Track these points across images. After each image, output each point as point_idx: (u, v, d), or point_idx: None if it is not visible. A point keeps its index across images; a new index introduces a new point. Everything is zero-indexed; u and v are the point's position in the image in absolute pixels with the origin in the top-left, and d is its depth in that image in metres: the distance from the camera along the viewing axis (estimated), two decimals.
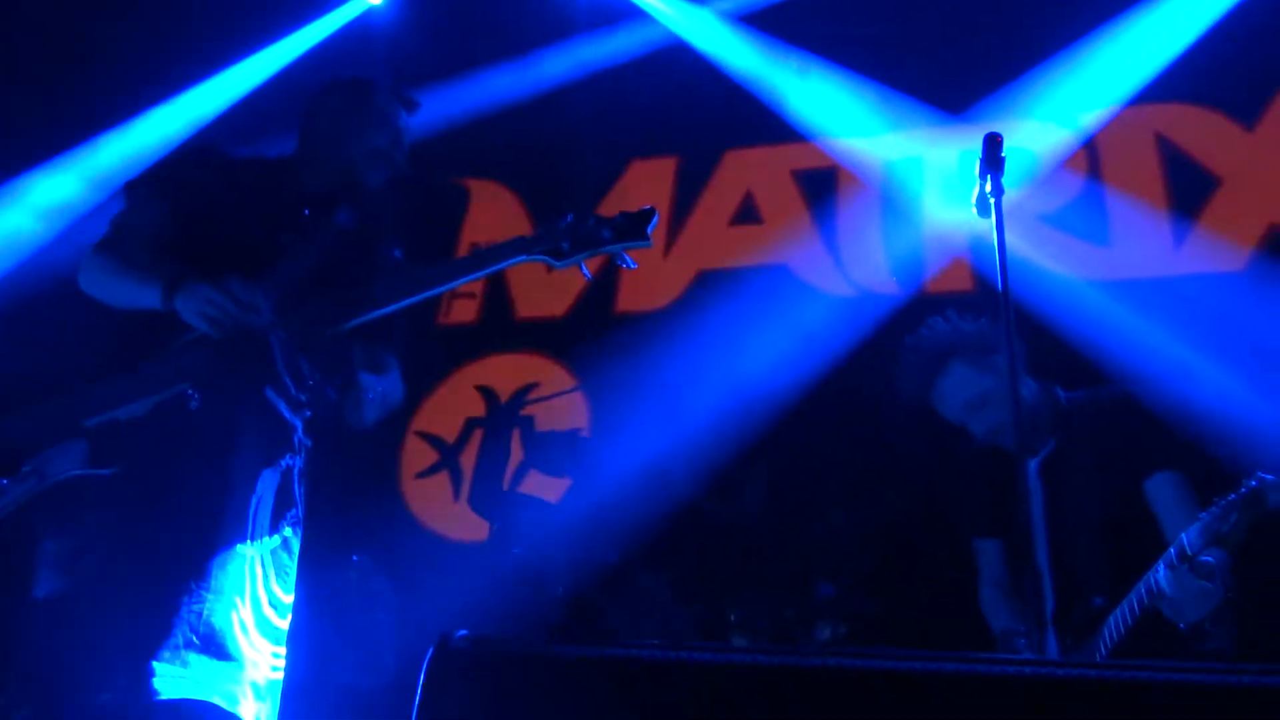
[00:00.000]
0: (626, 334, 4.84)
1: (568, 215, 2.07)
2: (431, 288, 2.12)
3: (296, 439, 2.13)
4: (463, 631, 1.19)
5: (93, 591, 1.88)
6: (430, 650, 1.16)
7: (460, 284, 2.21)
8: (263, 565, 1.98)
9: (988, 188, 2.08)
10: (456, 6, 5.52)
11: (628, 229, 2.04)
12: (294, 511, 2.10)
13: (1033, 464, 2.77)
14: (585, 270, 2.11)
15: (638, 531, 3.85)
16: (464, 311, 5.35)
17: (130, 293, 2.12)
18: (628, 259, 2.08)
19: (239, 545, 1.93)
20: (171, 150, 2.40)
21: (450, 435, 5.07)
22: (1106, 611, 2.49)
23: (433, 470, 5.02)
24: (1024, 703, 1.15)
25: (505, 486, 4.52)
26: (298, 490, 2.13)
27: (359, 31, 5.55)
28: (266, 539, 2.00)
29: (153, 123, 5.19)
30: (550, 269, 2.11)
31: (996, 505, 2.78)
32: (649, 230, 2.05)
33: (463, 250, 5.54)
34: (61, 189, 5.06)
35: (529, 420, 4.80)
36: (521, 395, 4.96)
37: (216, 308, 1.97)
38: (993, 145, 2.08)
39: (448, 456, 5.03)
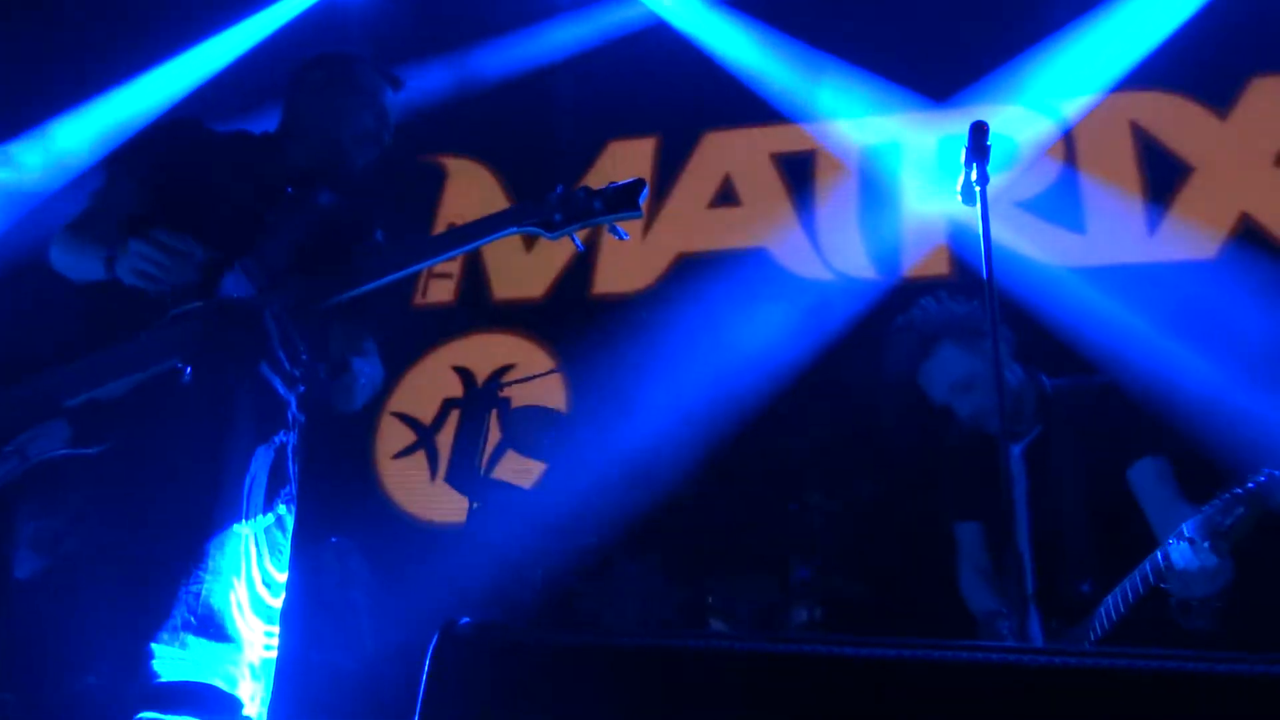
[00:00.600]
0: (604, 316, 4.83)
1: (557, 187, 2.06)
2: (421, 260, 2.09)
3: (290, 415, 2.11)
4: (466, 619, 1.18)
5: (78, 572, 1.84)
6: (434, 636, 1.15)
7: (449, 257, 2.19)
8: (256, 544, 1.95)
9: (973, 176, 2.09)
10: None
11: (618, 200, 2.03)
12: (288, 489, 2.08)
13: (1016, 449, 2.80)
14: (577, 241, 2.10)
15: (615, 515, 3.86)
16: (441, 292, 5.32)
17: (83, 266, 2.10)
18: (620, 230, 2.08)
19: (235, 525, 1.91)
20: (151, 123, 2.34)
21: (427, 416, 5.05)
22: (1096, 597, 2.52)
23: (409, 451, 5.00)
24: (1009, 689, 1.15)
25: (482, 467, 4.51)
26: (291, 467, 2.10)
27: (337, 3, 5.47)
28: (260, 517, 1.98)
29: (124, 98, 5.10)
30: (533, 243, 2.10)
31: (977, 489, 2.80)
32: (640, 201, 2.04)
33: (440, 229, 5.50)
34: (27, 164, 4.96)
35: (506, 401, 4.78)
36: (498, 376, 4.94)
37: (147, 260, 1.95)
38: (979, 133, 2.09)
39: (424, 437, 5.01)
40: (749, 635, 3.17)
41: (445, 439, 4.91)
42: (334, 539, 3.67)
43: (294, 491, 2.10)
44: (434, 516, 4.73)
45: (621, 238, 2.08)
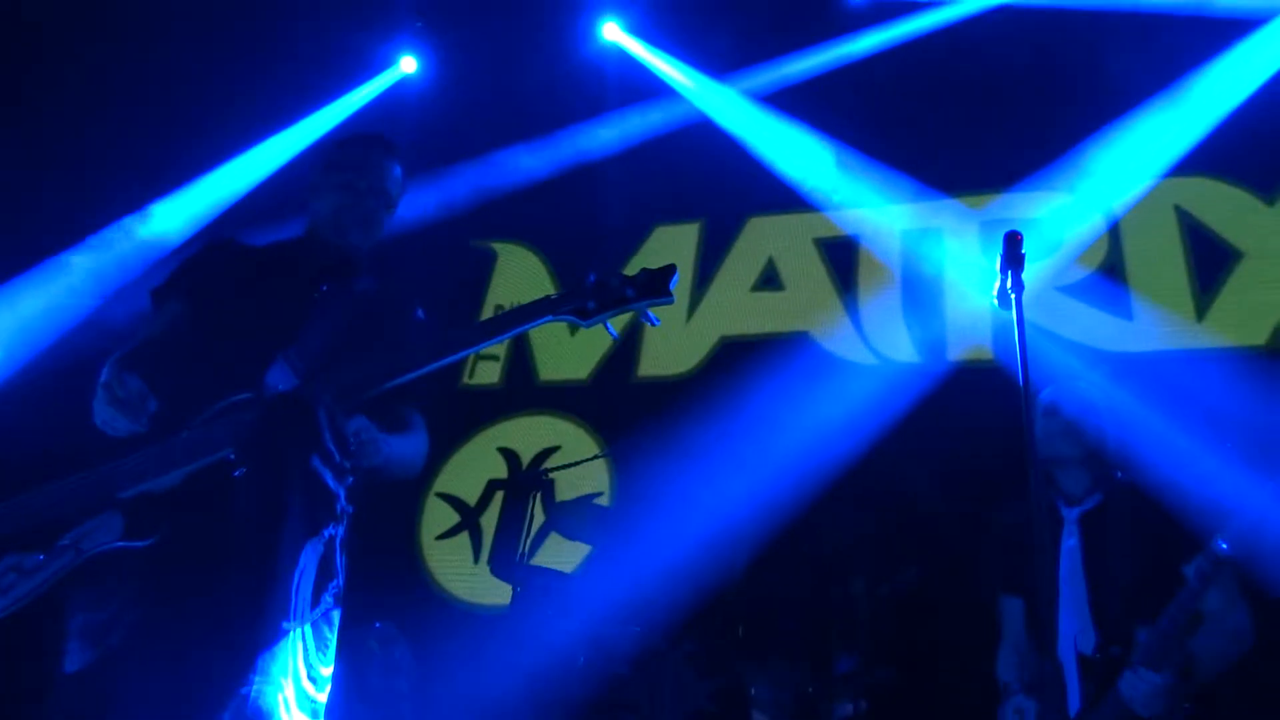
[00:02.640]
0: (649, 399, 4.87)
1: (590, 275, 2.07)
2: (459, 350, 2.12)
3: (339, 507, 2.13)
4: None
5: (125, 668, 1.86)
6: None
7: (487, 345, 2.22)
8: (304, 641, 1.96)
9: (1008, 284, 2.11)
10: (488, 77, 5.66)
11: (650, 286, 2.04)
12: (335, 583, 2.09)
13: (1074, 512, 2.99)
14: (611, 330, 2.10)
15: (657, 602, 3.84)
16: (487, 373, 5.41)
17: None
18: (651, 316, 2.08)
19: (285, 624, 1.93)
20: (189, 247, 2.41)
21: (472, 497, 5.10)
22: (1123, 659, 2.68)
23: (453, 532, 5.04)
24: None
25: (524, 550, 4.53)
26: (339, 560, 2.12)
27: (393, 101, 5.70)
28: (309, 613, 1.99)
29: (182, 202, 5.35)
30: (576, 329, 2.11)
31: (1025, 562, 2.83)
32: (671, 286, 2.05)
33: (487, 312, 5.62)
34: (97, 263, 5.18)
35: (550, 484, 4.81)
36: (544, 459, 4.99)
37: (104, 407, 2.01)
38: (1012, 243, 2.11)
39: (468, 519, 5.05)
40: None
41: (489, 521, 4.95)
42: (378, 624, 3.69)
43: (341, 585, 2.11)
44: (477, 599, 4.74)
45: (653, 324, 2.10)
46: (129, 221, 5.21)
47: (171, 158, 5.34)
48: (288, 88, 5.47)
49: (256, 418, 2.03)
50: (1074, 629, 2.81)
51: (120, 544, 1.93)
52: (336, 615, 2.10)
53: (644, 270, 2.08)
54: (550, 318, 2.06)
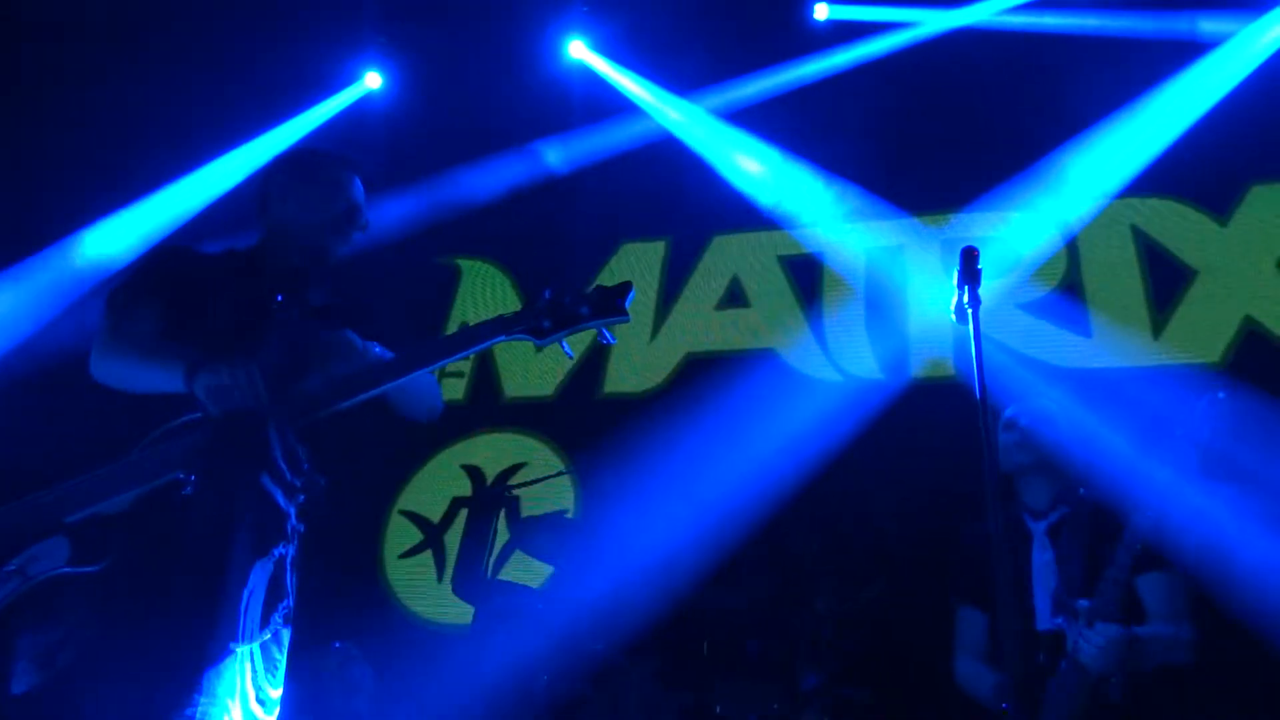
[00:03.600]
0: (614, 416, 4.86)
1: (545, 292, 2.07)
2: (415, 368, 2.11)
3: (289, 526, 2.11)
4: None
5: (76, 689, 1.84)
6: None
7: (444, 364, 2.20)
8: (252, 662, 1.95)
9: (965, 298, 2.14)
10: (452, 93, 5.65)
11: (606, 305, 2.04)
12: (285, 603, 2.08)
13: (1041, 526, 3.07)
14: (567, 348, 2.10)
15: (622, 618, 3.82)
16: (452, 390, 5.37)
17: (152, 376, 2.11)
18: (607, 334, 2.08)
19: (232, 644, 1.91)
20: (148, 252, 2.38)
21: (435, 515, 5.06)
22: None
23: (417, 550, 4.99)
24: None
25: (489, 568, 4.49)
26: (289, 580, 2.10)
27: (358, 116, 5.68)
28: (257, 634, 1.98)
29: (140, 214, 5.27)
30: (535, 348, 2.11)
31: (985, 577, 2.87)
32: (626, 305, 2.05)
33: (452, 329, 5.59)
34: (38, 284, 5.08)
35: (515, 501, 4.78)
36: (508, 476, 4.96)
37: (224, 388, 1.99)
38: (969, 258, 2.14)
39: (432, 536, 5.00)
40: None
41: (453, 539, 4.91)
42: (337, 644, 3.64)
43: (291, 605, 2.09)
44: (440, 618, 4.70)
45: (609, 342, 2.10)
46: (78, 238, 5.12)
47: (129, 172, 5.27)
48: (251, 102, 5.42)
49: (205, 436, 2.00)
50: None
51: (68, 569, 1.90)
52: (286, 635, 2.08)
53: (599, 287, 2.08)
54: (504, 337, 2.07)
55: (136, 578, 1.91)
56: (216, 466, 1.98)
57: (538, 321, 2.04)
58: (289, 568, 2.10)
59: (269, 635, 2.01)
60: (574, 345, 2.18)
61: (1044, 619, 2.88)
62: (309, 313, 2.34)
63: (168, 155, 5.33)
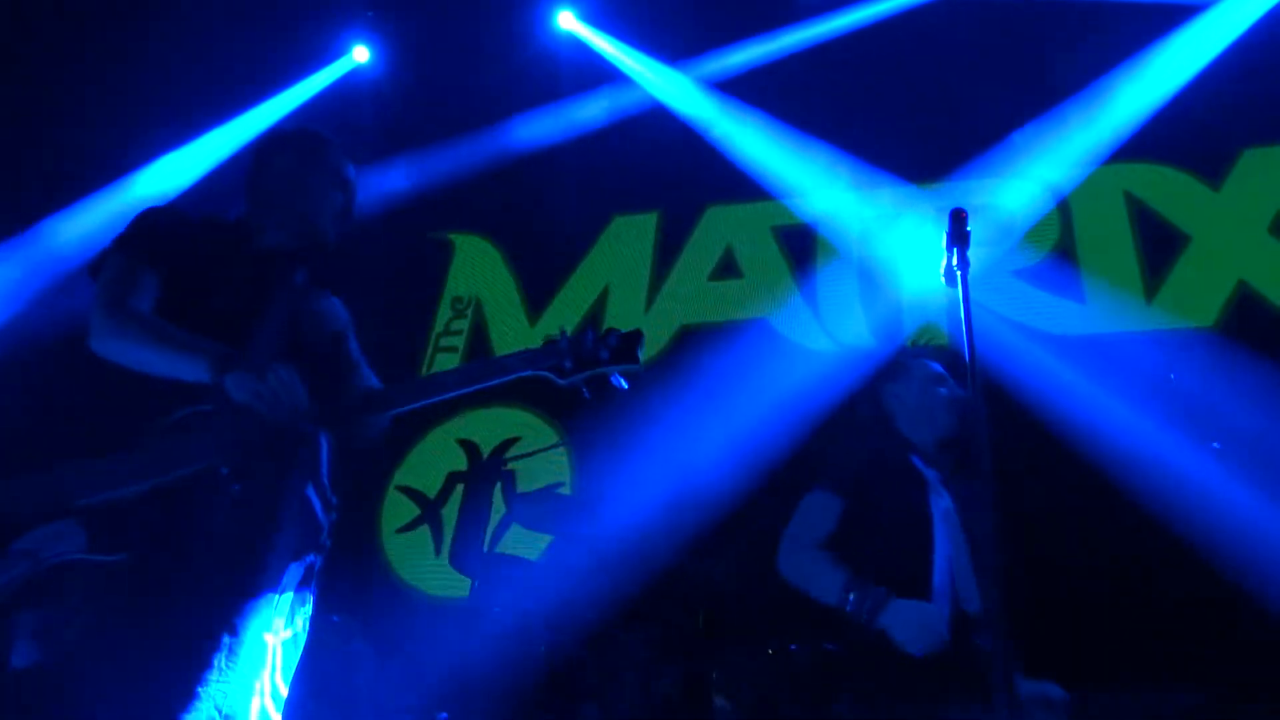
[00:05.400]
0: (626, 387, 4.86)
1: (563, 333, 2.14)
2: (441, 393, 2.15)
3: (323, 539, 2.15)
4: (444, 715, 1.18)
5: (85, 667, 1.83)
6: None
7: (464, 392, 2.24)
8: (272, 657, 1.97)
9: (954, 260, 2.14)
10: (441, 66, 5.62)
11: (621, 352, 2.13)
12: (307, 608, 2.12)
13: (934, 474, 2.95)
14: (586, 392, 2.16)
15: (619, 588, 3.85)
16: (446, 365, 5.38)
17: (171, 363, 2.07)
18: (620, 380, 2.15)
19: (264, 633, 1.94)
20: (137, 215, 2.31)
21: (432, 490, 5.07)
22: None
23: (414, 525, 5.01)
24: None
25: (487, 542, 4.51)
26: (314, 589, 2.14)
27: (346, 90, 5.64)
28: (282, 631, 2.01)
29: (128, 191, 5.24)
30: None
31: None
32: (639, 353, 2.15)
33: (445, 305, 5.60)
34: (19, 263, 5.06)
35: (511, 475, 4.81)
36: (504, 450, 4.97)
37: (270, 394, 1.98)
38: (958, 220, 2.14)
39: (429, 511, 5.02)
40: None
41: (450, 513, 4.93)
42: (335, 618, 3.66)
43: (312, 613, 2.13)
44: (437, 591, 4.72)
45: (622, 388, 2.15)
46: (58, 219, 5.10)
47: (115, 148, 5.24)
48: (237, 78, 5.39)
49: (245, 432, 1.99)
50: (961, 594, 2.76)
51: (85, 556, 1.89)
52: (304, 639, 2.11)
53: (615, 334, 2.15)
54: (529, 371, 2.13)
55: (156, 563, 1.90)
56: (263, 467, 2.00)
57: (560, 361, 2.11)
58: (315, 577, 2.14)
59: (291, 635, 2.04)
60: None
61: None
62: (296, 292, 2.33)
63: (155, 131, 5.29)
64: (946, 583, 2.73)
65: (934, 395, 3.00)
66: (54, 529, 1.89)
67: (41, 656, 1.87)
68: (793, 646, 3.41)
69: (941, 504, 2.86)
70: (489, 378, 2.12)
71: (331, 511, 2.16)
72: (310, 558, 2.10)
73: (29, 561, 1.85)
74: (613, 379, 2.13)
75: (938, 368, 3.12)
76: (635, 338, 2.14)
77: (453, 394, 2.14)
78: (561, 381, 2.10)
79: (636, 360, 2.12)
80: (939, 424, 2.97)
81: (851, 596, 2.66)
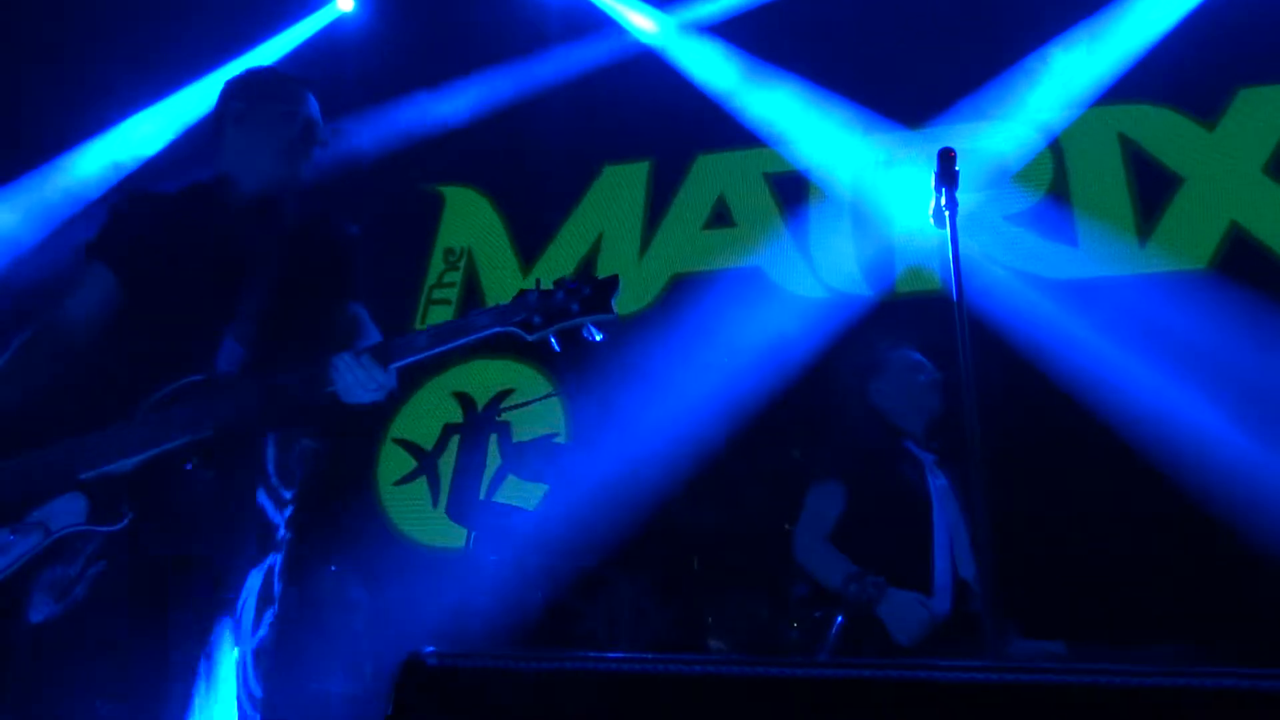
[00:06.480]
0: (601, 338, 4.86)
1: (533, 288, 2.07)
2: (409, 356, 2.10)
3: (279, 536, 2.17)
4: (431, 648, 1.18)
5: (88, 631, 1.92)
6: (399, 669, 1.15)
7: (433, 354, 2.19)
8: (247, 663, 2.03)
9: (943, 201, 2.12)
10: (427, 14, 5.53)
11: (594, 301, 2.04)
12: (273, 609, 2.14)
13: (929, 457, 3.10)
14: (554, 343, 2.08)
15: (614, 535, 3.88)
16: (440, 318, 5.37)
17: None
18: (594, 330, 2.08)
19: (235, 646, 1.99)
20: (111, 204, 2.29)
21: (428, 442, 5.09)
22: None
23: (411, 477, 5.04)
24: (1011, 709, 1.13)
25: (483, 493, 4.54)
26: (277, 588, 2.16)
27: (331, 39, 5.56)
28: (249, 638, 2.05)
29: (103, 148, 5.18)
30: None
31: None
32: (613, 302, 2.06)
33: (437, 256, 5.58)
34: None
35: (506, 426, 4.82)
36: (498, 401, 4.98)
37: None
38: (946, 160, 2.12)
39: (426, 463, 5.05)
40: (737, 659, 3.20)
41: (446, 465, 4.95)
42: (333, 567, 3.70)
43: (279, 611, 2.15)
44: (436, 542, 4.76)
45: (595, 339, 2.09)
46: (47, 170, 5.04)
47: (93, 102, 5.17)
48: (220, 26, 5.30)
49: (253, 403, 2.02)
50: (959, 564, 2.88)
51: (88, 527, 1.96)
52: (270, 642, 2.16)
53: (591, 279, 2.07)
54: (499, 329, 2.07)
55: (153, 538, 1.98)
56: (215, 472, 2.03)
57: (529, 316, 2.05)
58: (277, 576, 2.16)
59: (257, 641, 2.08)
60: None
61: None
62: (285, 240, 2.30)
63: (136, 82, 5.22)
64: (946, 555, 2.87)
65: (915, 383, 3.18)
66: (61, 502, 1.96)
67: (55, 611, 1.94)
68: (801, 591, 3.45)
69: (938, 482, 3.01)
70: (460, 336, 2.07)
71: (284, 507, 2.17)
72: (269, 559, 2.12)
73: (40, 532, 1.95)
74: (584, 331, 2.06)
75: (916, 356, 3.28)
76: (609, 285, 2.06)
77: (425, 354, 2.09)
78: (529, 337, 2.04)
79: (610, 310, 2.04)
80: (924, 408, 3.15)
81: (852, 588, 2.82)
